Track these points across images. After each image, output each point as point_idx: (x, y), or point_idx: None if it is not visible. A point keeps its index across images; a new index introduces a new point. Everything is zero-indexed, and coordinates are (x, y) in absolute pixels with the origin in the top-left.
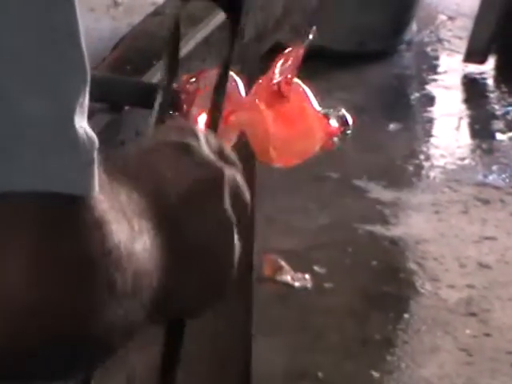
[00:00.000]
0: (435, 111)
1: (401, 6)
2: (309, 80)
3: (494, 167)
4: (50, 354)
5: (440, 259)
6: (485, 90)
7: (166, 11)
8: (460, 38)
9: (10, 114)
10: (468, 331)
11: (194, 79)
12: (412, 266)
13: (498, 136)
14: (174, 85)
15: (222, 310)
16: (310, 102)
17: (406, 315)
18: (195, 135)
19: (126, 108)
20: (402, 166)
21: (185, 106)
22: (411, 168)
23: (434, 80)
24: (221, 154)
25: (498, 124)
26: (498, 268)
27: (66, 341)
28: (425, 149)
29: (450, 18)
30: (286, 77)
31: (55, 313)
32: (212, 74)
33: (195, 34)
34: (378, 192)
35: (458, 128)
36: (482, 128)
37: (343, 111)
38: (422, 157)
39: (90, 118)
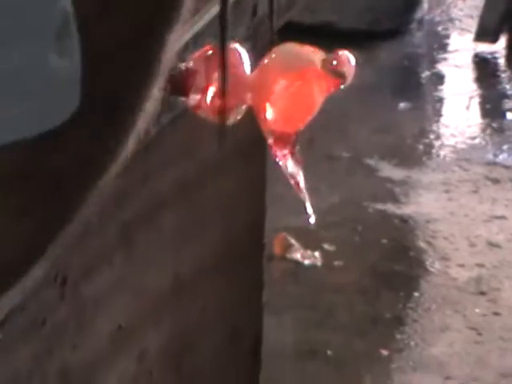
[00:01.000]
0: (446, 90)
1: None
2: None
3: (505, 146)
4: None
5: (450, 238)
6: (496, 70)
7: None
8: (471, 16)
9: None
10: (477, 310)
11: (209, 52)
12: (422, 244)
13: (509, 115)
14: (184, 64)
15: (233, 287)
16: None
17: (415, 294)
18: None
19: None
20: (412, 145)
21: (196, 84)
22: (421, 147)
23: (445, 59)
24: None
25: (509, 103)
26: (508, 247)
27: None
28: (435, 128)
29: None
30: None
31: None
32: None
33: (209, 9)
34: (389, 171)
35: (468, 107)
36: (492, 107)
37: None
38: (432, 136)
39: None
